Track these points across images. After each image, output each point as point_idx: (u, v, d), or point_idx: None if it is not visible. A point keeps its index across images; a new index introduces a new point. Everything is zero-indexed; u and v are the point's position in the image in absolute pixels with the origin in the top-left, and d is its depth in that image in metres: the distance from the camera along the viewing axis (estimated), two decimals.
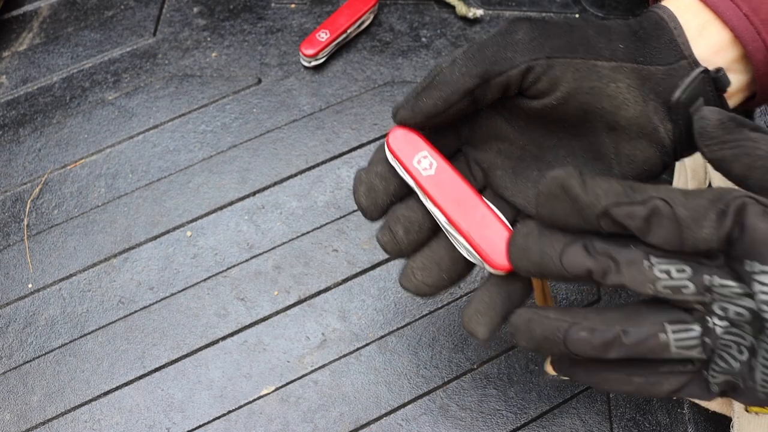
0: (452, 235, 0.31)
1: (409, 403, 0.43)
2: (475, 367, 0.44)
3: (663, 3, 0.32)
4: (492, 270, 0.31)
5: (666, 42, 0.30)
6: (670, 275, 0.26)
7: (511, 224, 0.32)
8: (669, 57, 0.30)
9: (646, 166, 0.31)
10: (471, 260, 0.31)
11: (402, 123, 0.32)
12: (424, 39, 0.59)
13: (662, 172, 0.32)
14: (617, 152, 0.31)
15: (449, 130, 0.34)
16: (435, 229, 0.32)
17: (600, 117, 0.30)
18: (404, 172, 0.32)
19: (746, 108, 0.34)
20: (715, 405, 0.42)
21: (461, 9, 0.60)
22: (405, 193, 0.33)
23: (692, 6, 0.31)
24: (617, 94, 0.30)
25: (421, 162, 0.31)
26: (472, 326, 0.31)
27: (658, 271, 0.26)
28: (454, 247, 0.32)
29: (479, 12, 0.60)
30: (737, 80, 0.31)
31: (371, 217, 0.32)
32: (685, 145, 0.31)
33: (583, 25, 0.31)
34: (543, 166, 0.33)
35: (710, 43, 0.31)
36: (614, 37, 0.31)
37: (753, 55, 0.30)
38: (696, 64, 0.30)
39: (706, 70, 0.30)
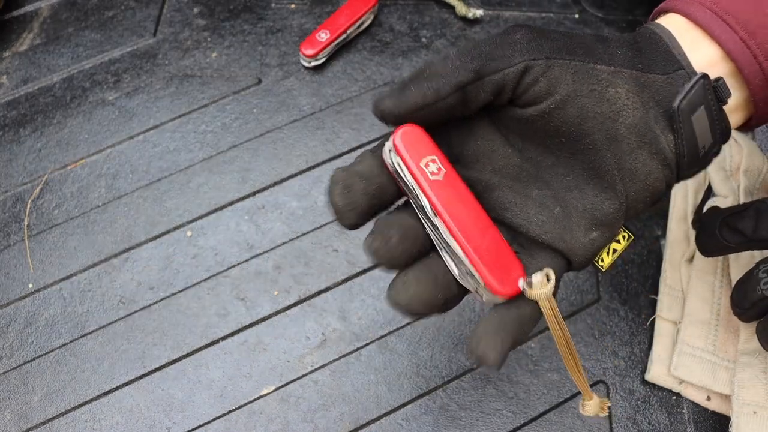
0: (448, 249, 0.28)
1: (409, 403, 0.43)
2: (475, 367, 0.44)
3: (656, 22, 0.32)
4: (491, 295, 0.28)
5: (662, 52, 0.30)
6: None
7: None
8: (667, 66, 0.30)
9: (648, 181, 0.30)
10: (462, 282, 0.29)
11: (385, 114, 0.29)
12: (424, 39, 0.59)
13: (666, 192, 0.31)
14: (619, 167, 0.30)
15: (440, 147, 0.31)
16: (432, 246, 0.29)
17: (599, 124, 0.29)
18: (408, 173, 0.28)
19: (745, 129, 0.34)
20: (715, 405, 0.42)
21: (461, 9, 0.60)
22: (388, 198, 0.29)
23: (684, 25, 0.31)
24: (616, 99, 0.29)
25: (429, 165, 0.28)
26: (482, 350, 0.28)
27: (762, 273, 0.34)
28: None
29: (479, 12, 0.60)
30: (733, 96, 0.31)
31: (347, 221, 0.28)
32: (687, 163, 0.30)
33: (580, 32, 0.31)
34: (542, 185, 0.31)
35: (704, 55, 0.30)
36: (612, 44, 0.30)
37: (749, 80, 0.30)
38: (694, 74, 0.29)
39: (705, 76, 0.29)
